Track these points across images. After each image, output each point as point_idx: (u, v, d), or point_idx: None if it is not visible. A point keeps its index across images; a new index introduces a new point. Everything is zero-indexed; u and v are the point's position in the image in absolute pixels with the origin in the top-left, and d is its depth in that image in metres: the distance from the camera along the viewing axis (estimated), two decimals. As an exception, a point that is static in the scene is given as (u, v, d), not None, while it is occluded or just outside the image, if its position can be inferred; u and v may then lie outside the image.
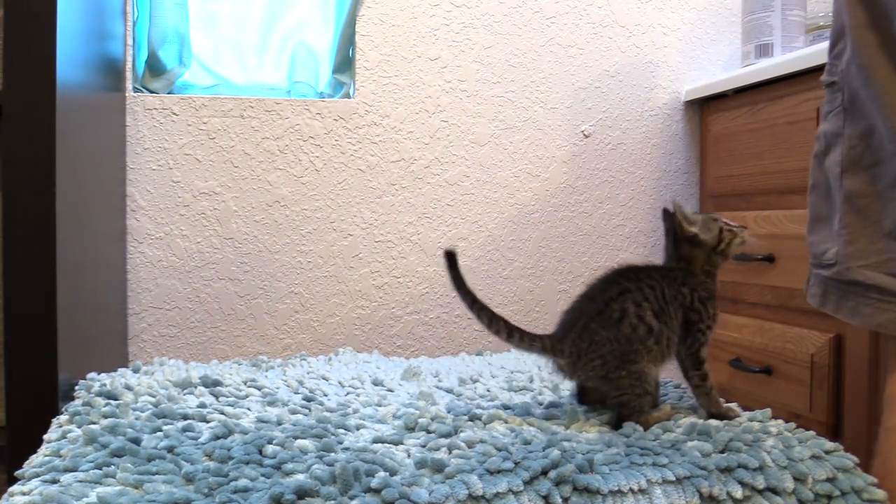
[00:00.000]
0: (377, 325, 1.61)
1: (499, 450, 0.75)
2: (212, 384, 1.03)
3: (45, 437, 0.83)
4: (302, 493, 0.65)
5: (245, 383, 1.07)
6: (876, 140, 0.79)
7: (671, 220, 0.96)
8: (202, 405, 0.94)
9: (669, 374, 1.05)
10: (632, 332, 0.87)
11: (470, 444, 0.78)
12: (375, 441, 0.80)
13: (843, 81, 0.83)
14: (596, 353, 0.88)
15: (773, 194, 1.38)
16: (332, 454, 0.75)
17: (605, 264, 1.70)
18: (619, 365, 0.87)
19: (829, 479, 0.76)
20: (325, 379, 1.12)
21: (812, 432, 0.83)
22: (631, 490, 0.70)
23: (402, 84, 1.61)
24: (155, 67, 1.52)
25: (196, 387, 1.03)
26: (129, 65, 1.51)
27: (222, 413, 0.91)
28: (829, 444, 0.80)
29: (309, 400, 0.99)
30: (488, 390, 1.06)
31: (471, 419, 0.88)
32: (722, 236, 0.94)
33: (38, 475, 0.71)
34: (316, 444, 0.77)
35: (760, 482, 0.73)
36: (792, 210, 1.32)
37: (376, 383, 1.10)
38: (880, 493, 0.76)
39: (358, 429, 0.85)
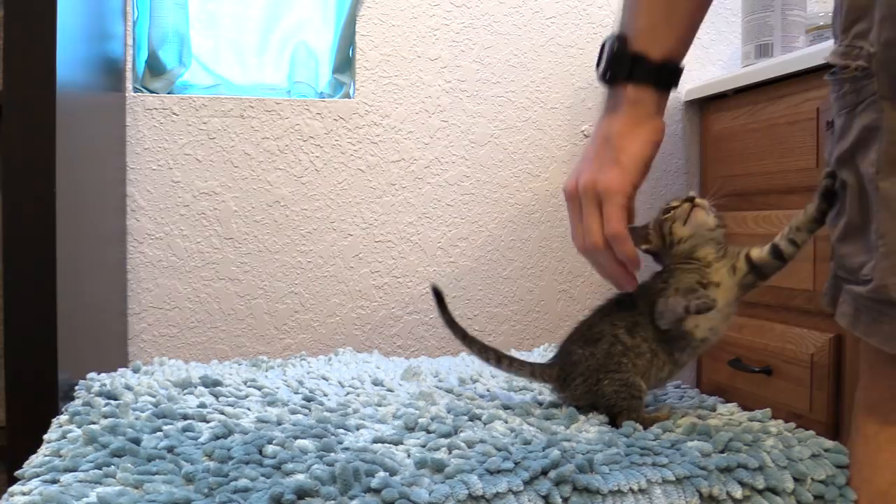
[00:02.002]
0: (377, 325, 1.61)
1: (499, 450, 0.75)
2: (212, 384, 1.03)
3: (45, 437, 0.83)
4: (302, 493, 0.65)
5: (245, 383, 1.07)
6: None
7: None
8: (202, 405, 0.94)
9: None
10: (609, 348, 0.88)
11: (470, 444, 0.78)
12: (375, 441, 0.80)
13: (878, 65, 0.70)
14: (576, 372, 0.90)
15: (773, 194, 1.38)
16: (332, 454, 0.75)
17: (605, 264, 1.70)
18: (599, 377, 0.88)
19: (828, 477, 0.76)
20: (325, 379, 1.12)
21: (812, 432, 0.83)
22: (631, 490, 0.70)
23: (402, 84, 1.61)
24: (155, 67, 1.52)
25: (196, 387, 1.03)
26: (129, 65, 1.52)
27: (222, 413, 0.91)
28: (829, 443, 0.80)
29: (309, 400, 0.99)
30: (488, 390, 1.06)
31: (471, 419, 0.88)
32: (662, 231, 0.87)
33: (38, 475, 0.71)
34: (316, 444, 0.77)
35: (760, 482, 0.73)
36: (792, 210, 1.31)
37: (376, 383, 1.10)
38: None
39: (358, 429, 0.85)
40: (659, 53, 0.82)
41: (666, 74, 0.83)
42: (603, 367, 0.87)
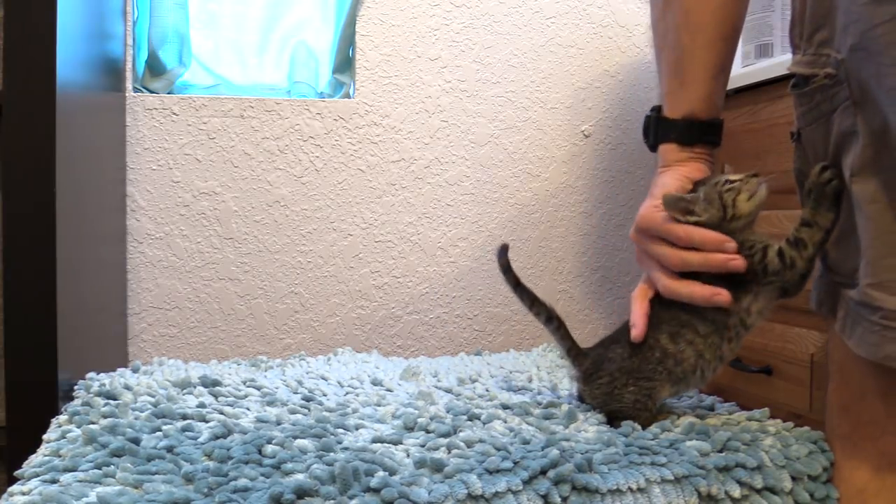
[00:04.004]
0: (377, 325, 1.61)
1: (498, 449, 0.75)
2: (211, 384, 1.03)
3: (45, 437, 0.83)
4: (301, 492, 0.65)
5: (244, 383, 1.07)
6: (892, 139, 0.68)
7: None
8: (201, 405, 0.94)
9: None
10: (649, 353, 0.84)
11: (469, 444, 0.78)
12: (375, 441, 0.80)
13: (845, 72, 0.71)
14: (607, 370, 0.87)
15: (773, 194, 1.38)
16: (332, 454, 0.75)
17: (605, 264, 1.70)
18: (627, 381, 0.85)
19: (822, 472, 0.76)
20: (325, 379, 1.12)
21: (806, 428, 0.83)
22: (630, 489, 0.70)
23: (402, 84, 1.61)
24: (155, 67, 1.53)
25: (195, 387, 1.03)
26: (129, 65, 1.52)
27: (221, 413, 0.91)
28: (817, 434, 0.81)
29: (308, 400, 0.99)
30: (487, 390, 1.06)
31: (470, 419, 0.88)
32: (724, 201, 0.82)
33: (37, 475, 0.71)
34: (315, 444, 0.77)
35: (759, 481, 0.73)
36: (792, 210, 1.31)
37: (375, 383, 1.11)
38: None
39: (357, 428, 0.85)
40: (677, 113, 0.88)
41: (686, 130, 0.88)
42: (636, 370, 0.84)
